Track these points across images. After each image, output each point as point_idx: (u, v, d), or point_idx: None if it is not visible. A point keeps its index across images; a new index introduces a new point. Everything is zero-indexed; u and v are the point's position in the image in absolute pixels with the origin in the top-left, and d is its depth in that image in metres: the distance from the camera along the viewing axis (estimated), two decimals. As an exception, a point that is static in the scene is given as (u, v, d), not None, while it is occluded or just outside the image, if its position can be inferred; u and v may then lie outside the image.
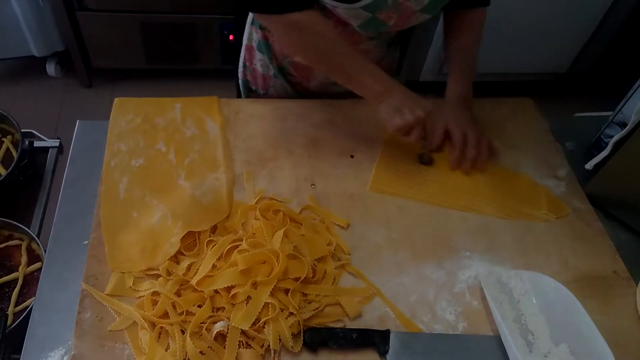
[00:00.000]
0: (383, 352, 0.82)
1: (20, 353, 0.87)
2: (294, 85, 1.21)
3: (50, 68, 2.62)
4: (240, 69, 1.23)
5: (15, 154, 1.16)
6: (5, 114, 1.17)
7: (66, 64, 2.67)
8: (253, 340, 0.80)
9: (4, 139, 1.18)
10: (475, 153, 1.04)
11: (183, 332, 0.80)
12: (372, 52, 1.14)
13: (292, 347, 0.80)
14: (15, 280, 0.97)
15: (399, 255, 0.95)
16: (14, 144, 1.18)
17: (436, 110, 1.02)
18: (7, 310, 0.92)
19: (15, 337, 0.83)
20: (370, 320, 0.86)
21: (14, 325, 0.86)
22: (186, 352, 0.77)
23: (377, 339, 0.82)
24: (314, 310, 0.84)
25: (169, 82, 2.73)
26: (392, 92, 0.96)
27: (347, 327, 0.85)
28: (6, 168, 1.13)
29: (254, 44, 1.16)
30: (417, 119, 0.94)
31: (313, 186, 1.04)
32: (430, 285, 0.91)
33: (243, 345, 0.79)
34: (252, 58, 1.19)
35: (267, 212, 0.95)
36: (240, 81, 1.25)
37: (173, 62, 2.61)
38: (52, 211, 1.13)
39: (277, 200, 0.99)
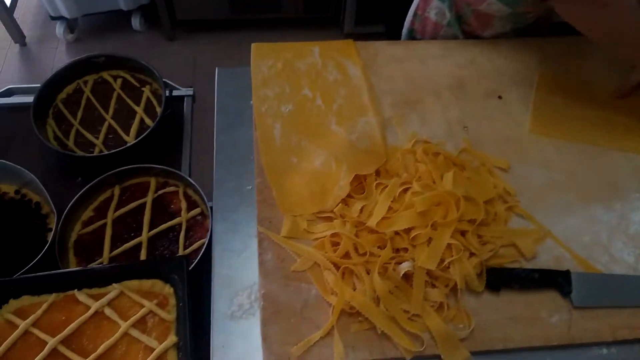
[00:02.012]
0: (567, 293, 0.81)
1: (199, 293, 0.90)
2: (466, 34, 1.18)
3: (135, 22, 2.64)
4: (409, 18, 1.22)
5: (155, 103, 1.17)
6: (145, 63, 1.18)
7: (150, 17, 2.68)
8: (437, 280, 0.80)
9: (143, 89, 1.19)
10: None
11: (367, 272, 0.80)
12: None
13: (476, 287, 0.79)
14: (178, 225, 1.00)
15: (564, 197, 0.92)
16: (153, 93, 1.19)
17: None
18: (178, 253, 0.95)
19: (195, 277, 0.86)
20: (545, 261, 0.85)
21: (191, 267, 0.89)
22: (374, 291, 0.78)
23: (559, 279, 0.81)
24: (489, 251, 0.83)
25: (250, 33, 2.72)
26: None
27: (524, 268, 0.83)
28: (148, 117, 1.15)
29: None
30: None
31: (465, 128, 1.01)
32: (601, 226, 0.89)
33: (428, 284, 0.79)
34: (426, 6, 1.18)
35: (427, 156, 0.94)
36: (405, 30, 1.25)
37: (256, 11, 2.58)
38: (197, 159, 1.16)
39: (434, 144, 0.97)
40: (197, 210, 1.01)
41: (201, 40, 2.71)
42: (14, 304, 0.80)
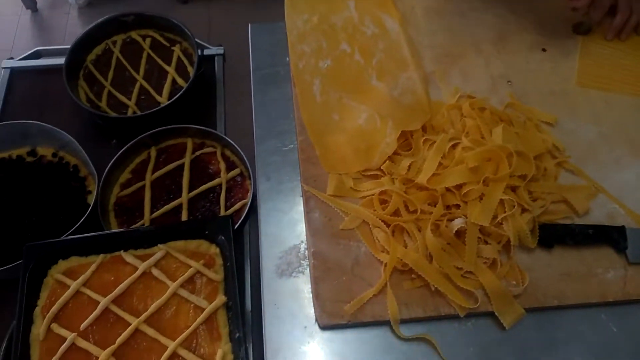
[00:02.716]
0: (622, 249, 0.79)
1: (242, 253, 0.90)
2: None
3: (150, -17, 2.58)
4: None
5: (186, 63, 1.15)
6: (176, 22, 1.15)
7: (162, -21, 2.63)
8: (489, 237, 0.78)
9: (173, 48, 1.17)
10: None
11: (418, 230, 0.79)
12: None
13: (530, 243, 0.78)
14: (218, 187, 0.98)
15: (615, 152, 0.90)
16: (183, 52, 1.17)
17: None
18: (220, 214, 0.94)
19: (236, 238, 0.85)
20: (598, 217, 0.83)
21: (236, 226, 0.88)
22: (427, 249, 0.76)
23: (615, 235, 0.79)
24: (540, 207, 0.82)
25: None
26: None
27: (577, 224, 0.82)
28: (180, 76, 1.13)
29: None
30: None
31: (509, 83, 0.98)
32: (655, 181, 0.87)
33: (481, 241, 0.78)
34: None
35: (472, 111, 0.91)
36: None
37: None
38: (230, 119, 1.14)
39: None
40: (236, 171, 1.00)
41: (213, 4, 2.65)
42: (63, 264, 0.80)
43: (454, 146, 0.85)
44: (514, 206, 0.78)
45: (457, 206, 0.80)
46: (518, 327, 0.75)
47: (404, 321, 0.74)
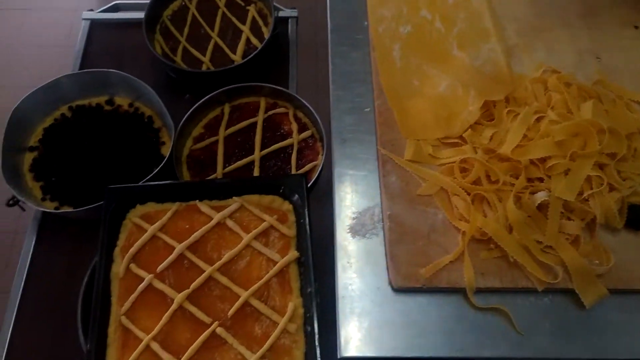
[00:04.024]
0: None
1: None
2: None
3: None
4: None
5: (261, 23, 1.14)
6: (253, -18, 1.15)
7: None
8: (573, 213, 0.76)
9: (248, 8, 1.16)
10: None
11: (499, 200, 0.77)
12: None
13: (617, 223, 0.75)
14: (289, 147, 0.98)
15: None
16: (258, 12, 1.16)
17: None
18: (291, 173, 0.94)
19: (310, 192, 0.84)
20: (689, 202, 0.79)
21: (308, 185, 0.88)
22: (507, 219, 0.74)
23: None
24: (629, 188, 0.78)
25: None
26: None
27: (665, 207, 0.78)
28: (254, 36, 1.12)
29: None
30: None
31: (598, 59, 0.94)
32: None
33: (564, 217, 0.75)
34: None
35: (558, 85, 0.88)
36: None
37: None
38: (302, 82, 1.13)
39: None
40: (308, 133, 0.99)
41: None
42: (140, 209, 0.81)
43: (538, 119, 0.82)
44: (602, 184, 0.75)
45: (540, 180, 0.78)
46: (599, 307, 0.72)
47: (479, 290, 0.73)
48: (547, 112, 0.82)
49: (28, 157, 0.97)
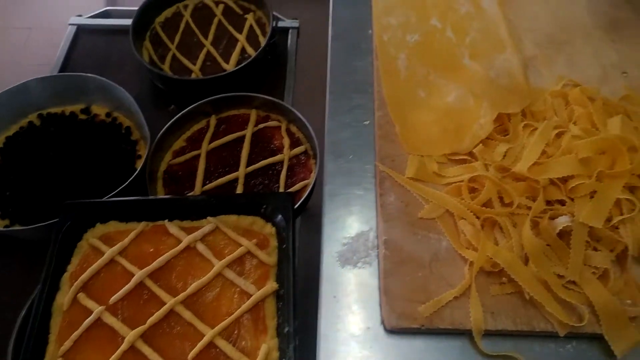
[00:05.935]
0: None
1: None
2: None
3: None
4: None
5: (258, 32, 1.06)
6: (251, -9, 1.07)
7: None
8: (600, 242, 0.64)
9: (246, 16, 1.08)
10: None
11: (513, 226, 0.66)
12: None
13: (654, 254, 0.64)
14: (279, 164, 0.88)
15: None
16: (256, 21, 1.08)
17: None
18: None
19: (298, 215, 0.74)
20: None
21: (295, 207, 0.77)
22: (522, 249, 0.63)
23: None
24: (664, 214, 0.67)
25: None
26: None
27: None
28: (250, 45, 1.04)
29: None
30: None
31: (625, 74, 0.84)
32: None
33: (589, 246, 0.64)
34: None
35: (581, 99, 0.77)
36: None
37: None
38: (300, 96, 1.04)
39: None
40: (300, 149, 0.90)
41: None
42: (100, 228, 0.71)
43: (559, 135, 0.72)
44: (634, 209, 0.64)
45: (562, 202, 0.67)
46: (632, 357, 0.60)
47: (488, 333, 0.61)
48: (569, 127, 0.71)
49: (-17, 169, 0.87)
